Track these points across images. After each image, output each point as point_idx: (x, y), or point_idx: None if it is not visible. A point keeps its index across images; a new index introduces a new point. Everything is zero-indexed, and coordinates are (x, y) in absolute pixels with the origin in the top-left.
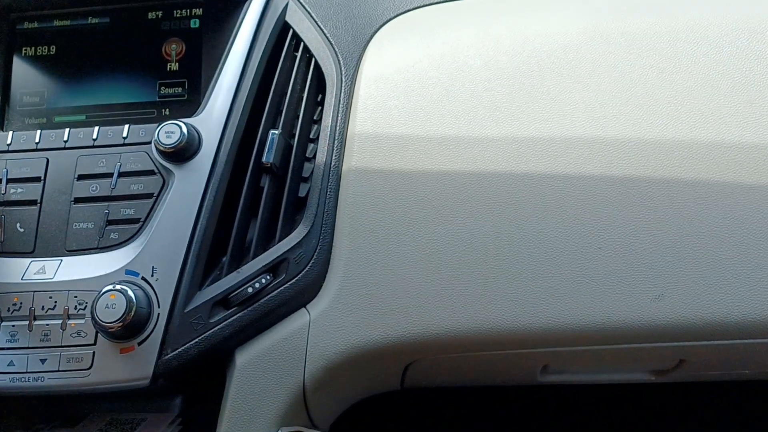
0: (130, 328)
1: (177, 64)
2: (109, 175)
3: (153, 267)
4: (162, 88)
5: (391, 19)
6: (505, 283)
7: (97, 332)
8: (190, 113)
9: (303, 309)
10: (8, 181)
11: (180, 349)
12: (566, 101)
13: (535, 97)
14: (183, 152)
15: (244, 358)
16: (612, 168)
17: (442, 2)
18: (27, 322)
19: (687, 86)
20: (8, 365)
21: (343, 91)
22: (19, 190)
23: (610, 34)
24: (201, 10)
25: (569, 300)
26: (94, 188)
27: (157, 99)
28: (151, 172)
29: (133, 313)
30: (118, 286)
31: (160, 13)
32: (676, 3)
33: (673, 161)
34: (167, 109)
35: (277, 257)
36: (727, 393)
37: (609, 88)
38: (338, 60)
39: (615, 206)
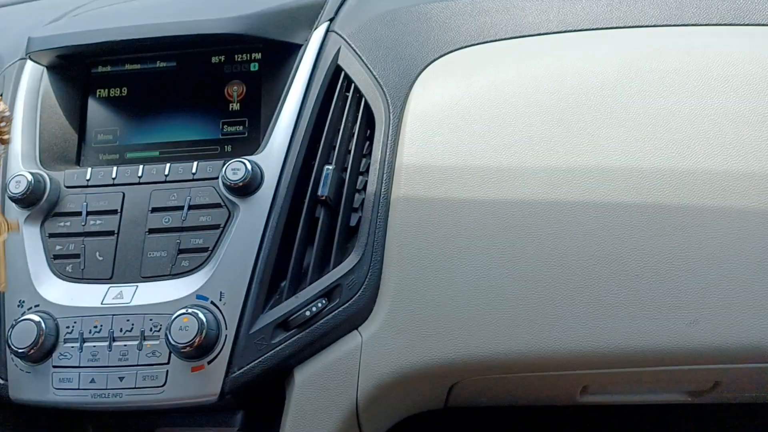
0: (201, 349)
1: (238, 104)
2: (180, 207)
3: (221, 292)
4: (225, 126)
5: (434, 60)
6: (545, 308)
7: (170, 352)
8: (251, 150)
9: (355, 331)
10: (88, 213)
11: (245, 368)
12: (602, 136)
13: (573, 132)
14: (247, 187)
15: (302, 376)
16: (647, 198)
17: (482, 43)
18: (107, 343)
19: (719, 121)
20: (90, 382)
21: (390, 127)
22: (99, 222)
23: (644, 72)
24: (260, 54)
25: (607, 324)
26: (167, 220)
27: (221, 137)
28: (218, 205)
29: (204, 335)
30: (190, 310)
31: (222, 58)
32: (707, 42)
33: (706, 192)
34: (230, 146)
35: (332, 283)
36: (762, 415)
37: (644, 123)
38: (386, 99)
39: (651, 235)
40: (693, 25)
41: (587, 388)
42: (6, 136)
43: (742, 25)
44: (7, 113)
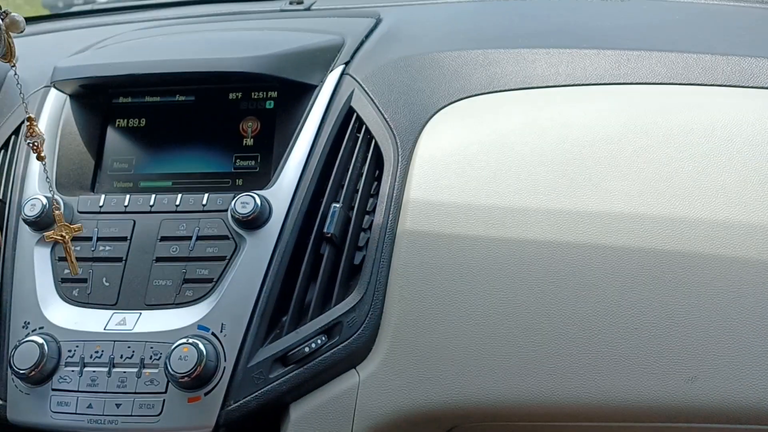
0: (199, 380)
1: (252, 139)
2: (188, 238)
3: (222, 323)
4: (237, 160)
5: (445, 107)
6: (542, 357)
7: (168, 381)
8: (261, 185)
9: (353, 370)
10: (98, 239)
11: (241, 401)
12: (606, 188)
13: (577, 182)
14: (255, 221)
15: (298, 413)
16: (648, 252)
17: (492, 93)
18: (107, 369)
19: (722, 179)
20: (87, 407)
21: (399, 169)
22: (107, 248)
23: (649, 128)
24: (276, 93)
25: (605, 377)
26: (174, 249)
27: (233, 170)
28: (225, 237)
29: (203, 366)
30: (190, 340)
31: (239, 94)
32: (712, 102)
33: (708, 246)
34: (241, 180)
35: (333, 320)
36: None
37: (648, 178)
38: (396, 142)
39: (651, 288)
40: (699, 84)
41: None
42: (43, 154)
43: (746, 87)
44: (43, 136)
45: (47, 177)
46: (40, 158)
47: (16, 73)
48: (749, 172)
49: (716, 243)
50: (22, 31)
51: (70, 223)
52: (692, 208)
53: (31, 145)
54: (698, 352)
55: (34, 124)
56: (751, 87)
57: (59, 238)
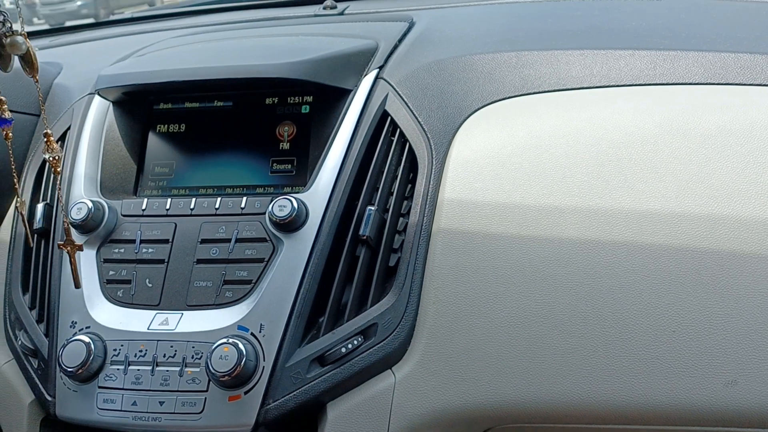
0: (238, 378)
1: (288, 144)
2: (228, 240)
3: (261, 324)
4: (274, 164)
5: (478, 109)
6: (578, 359)
7: (209, 380)
8: (298, 188)
9: (389, 371)
10: (142, 241)
11: (280, 400)
12: (641, 189)
13: (612, 185)
14: (292, 224)
15: (335, 412)
16: (687, 253)
17: (526, 95)
18: (150, 367)
19: (761, 180)
20: (132, 404)
21: (433, 172)
22: (150, 250)
23: (686, 129)
24: (312, 98)
25: (641, 380)
26: (215, 251)
27: (270, 174)
28: (263, 240)
29: (243, 365)
30: (231, 340)
31: (276, 99)
32: (750, 102)
33: (749, 247)
34: (278, 183)
35: (369, 321)
36: None
37: (684, 180)
38: (430, 145)
39: (689, 290)
40: (736, 84)
41: None
42: (59, 170)
43: None
44: (61, 153)
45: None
46: (56, 173)
47: (38, 87)
48: None
49: (755, 243)
50: (22, 53)
51: (114, 226)
52: (731, 208)
53: (49, 159)
54: (738, 355)
55: (52, 139)
56: None
57: (67, 249)
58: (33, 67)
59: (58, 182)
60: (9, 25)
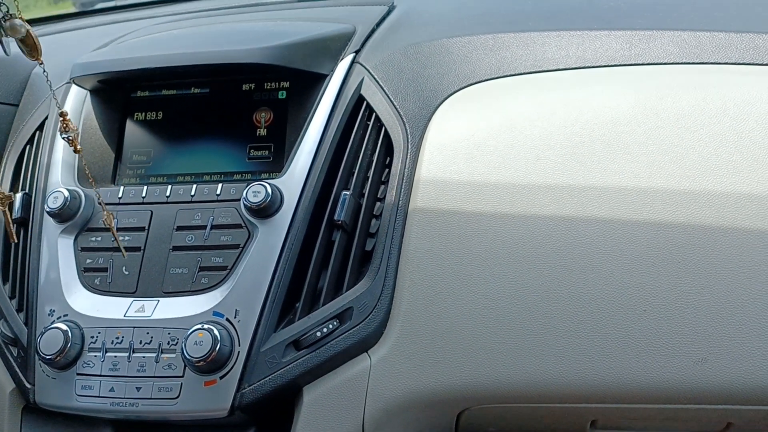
0: (214, 363)
1: (265, 130)
2: (203, 227)
3: (236, 309)
4: (251, 150)
5: (454, 93)
6: (551, 339)
7: (185, 365)
8: (275, 174)
9: (365, 354)
10: (118, 230)
11: (255, 384)
12: (615, 170)
13: (585, 164)
14: (267, 209)
15: (311, 395)
16: (657, 233)
17: (501, 77)
18: (127, 354)
19: (734, 159)
20: (110, 390)
21: (408, 156)
22: (127, 238)
23: (659, 109)
24: (288, 83)
25: (613, 359)
26: (190, 238)
27: (247, 160)
28: (238, 226)
29: (217, 350)
30: (206, 326)
31: (252, 86)
32: (724, 81)
33: (718, 227)
34: (255, 169)
35: (344, 305)
36: None
37: (657, 160)
38: (406, 129)
39: (659, 269)
40: (711, 63)
41: (596, 422)
42: (79, 147)
43: (760, 64)
44: (78, 130)
45: (87, 170)
46: (76, 151)
47: (44, 70)
48: (762, 151)
49: (725, 219)
50: (21, 36)
51: (91, 215)
52: (701, 185)
53: (67, 139)
54: (707, 334)
55: (68, 119)
56: (765, 64)
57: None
58: (36, 49)
59: (79, 161)
60: (6, 8)
